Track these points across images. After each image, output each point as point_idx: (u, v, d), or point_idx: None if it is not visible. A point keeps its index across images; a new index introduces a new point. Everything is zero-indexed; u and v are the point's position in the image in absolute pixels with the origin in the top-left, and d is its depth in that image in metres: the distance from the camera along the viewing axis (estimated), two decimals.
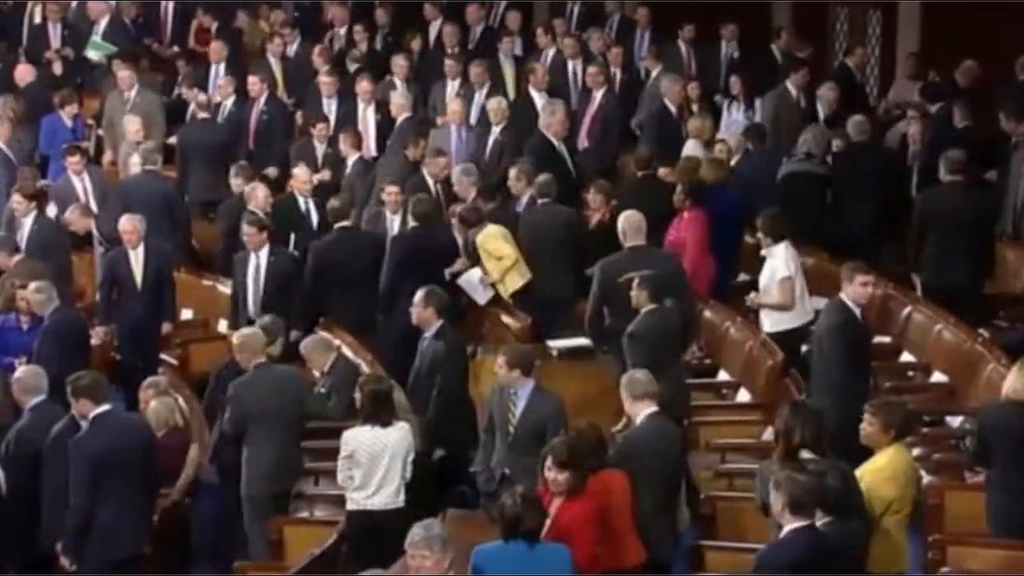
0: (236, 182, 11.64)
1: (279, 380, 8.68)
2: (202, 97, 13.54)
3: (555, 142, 12.25)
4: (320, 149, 12.77)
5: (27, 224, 11.19)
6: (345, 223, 10.73)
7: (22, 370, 8.49)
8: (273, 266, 10.45)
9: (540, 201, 11.10)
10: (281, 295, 10.35)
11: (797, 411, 7.13)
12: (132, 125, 12.92)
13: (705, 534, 7.88)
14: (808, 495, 6.33)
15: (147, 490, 8.04)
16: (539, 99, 13.32)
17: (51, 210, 11.97)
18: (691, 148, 12.22)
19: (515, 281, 10.67)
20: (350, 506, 8.04)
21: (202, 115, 13.36)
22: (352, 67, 14.39)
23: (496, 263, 10.62)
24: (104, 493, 7.80)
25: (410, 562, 6.26)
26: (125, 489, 7.85)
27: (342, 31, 15.85)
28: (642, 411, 7.51)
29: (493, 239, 10.67)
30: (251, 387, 8.58)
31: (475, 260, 10.77)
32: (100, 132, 13.95)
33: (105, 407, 7.99)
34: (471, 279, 10.66)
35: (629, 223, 9.77)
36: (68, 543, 7.84)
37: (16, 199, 11.30)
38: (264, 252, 10.49)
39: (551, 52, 14.81)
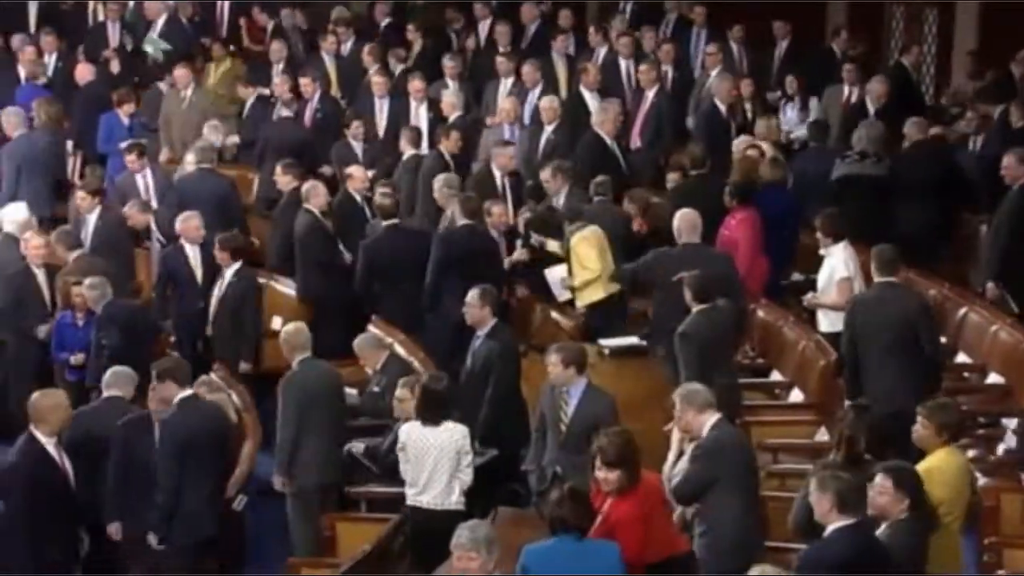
0: (284, 180, 11.70)
1: (323, 375, 8.74)
2: (286, 95, 13.60)
3: (608, 141, 12.24)
4: (358, 148, 12.82)
5: (91, 220, 11.30)
6: (394, 221, 10.74)
7: (111, 373, 8.63)
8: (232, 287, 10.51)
9: (596, 199, 11.09)
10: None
11: (861, 416, 7.09)
12: (212, 125, 13.03)
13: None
14: (854, 493, 6.28)
15: (222, 476, 8.20)
16: (591, 99, 13.30)
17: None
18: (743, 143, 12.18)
19: (593, 294, 10.50)
20: (407, 501, 8.08)
21: (285, 113, 13.40)
22: (398, 67, 14.40)
23: (580, 270, 10.51)
24: (189, 475, 7.95)
25: (456, 563, 6.28)
26: (207, 472, 8.03)
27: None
28: (708, 421, 7.40)
29: (585, 245, 10.48)
30: (297, 382, 8.64)
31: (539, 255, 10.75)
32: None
33: (188, 391, 8.13)
34: (554, 275, 10.64)
35: (684, 220, 9.79)
36: (156, 522, 7.98)
37: (80, 195, 11.43)
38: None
39: (603, 51, 14.80)
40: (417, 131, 12.66)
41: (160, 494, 7.96)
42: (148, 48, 15.27)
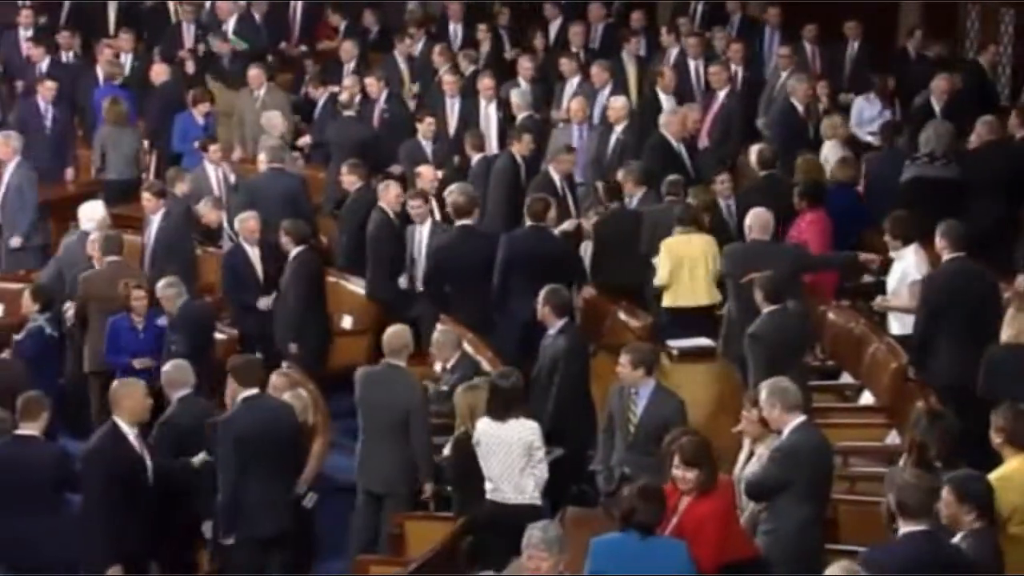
0: (350, 180, 11.75)
1: (398, 379, 8.77)
2: (344, 96, 13.71)
3: (673, 142, 12.21)
4: (428, 146, 12.86)
5: (155, 221, 11.38)
6: (467, 221, 10.78)
7: (170, 365, 8.65)
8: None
9: (667, 199, 11.08)
10: None
11: (934, 423, 7.04)
12: (277, 121, 13.11)
13: (827, 538, 7.80)
14: (920, 500, 6.22)
15: (290, 474, 8.22)
16: (666, 101, 13.27)
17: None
18: (829, 149, 12.09)
19: (667, 299, 10.46)
20: (486, 495, 8.10)
21: (347, 113, 13.50)
22: (468, 66, 14.44)
23: (659, 271, 10.51)
24: (249, 472, 7.99)
25: (527, 563, 6.29)
26: (269, 470, 8.04)
27: (459, 29, 15.97)
28: (792, 421, 7.34)
29: (664, 252, 10.38)
30: (371, 380, 8.73)
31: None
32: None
33: (254, 390, 8.20)
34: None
35: (757, 219, 9.79)
36: (219, 520, 8.07)
37: (145, 196, 11.50)
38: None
39: (675, 51, 14.76)
40: (480, 135, 12.67)
41: (219, 491, 8.02)
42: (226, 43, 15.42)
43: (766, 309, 8.84)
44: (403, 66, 14.84)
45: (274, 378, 8.96)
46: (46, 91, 13.57)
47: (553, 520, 6.58)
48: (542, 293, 9.14)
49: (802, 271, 9.87)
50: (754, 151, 11.88)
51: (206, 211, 11.81)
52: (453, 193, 10.81)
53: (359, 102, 13.72)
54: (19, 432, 8.08)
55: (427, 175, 11.75)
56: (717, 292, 10.31)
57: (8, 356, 9.75)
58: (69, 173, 13.55)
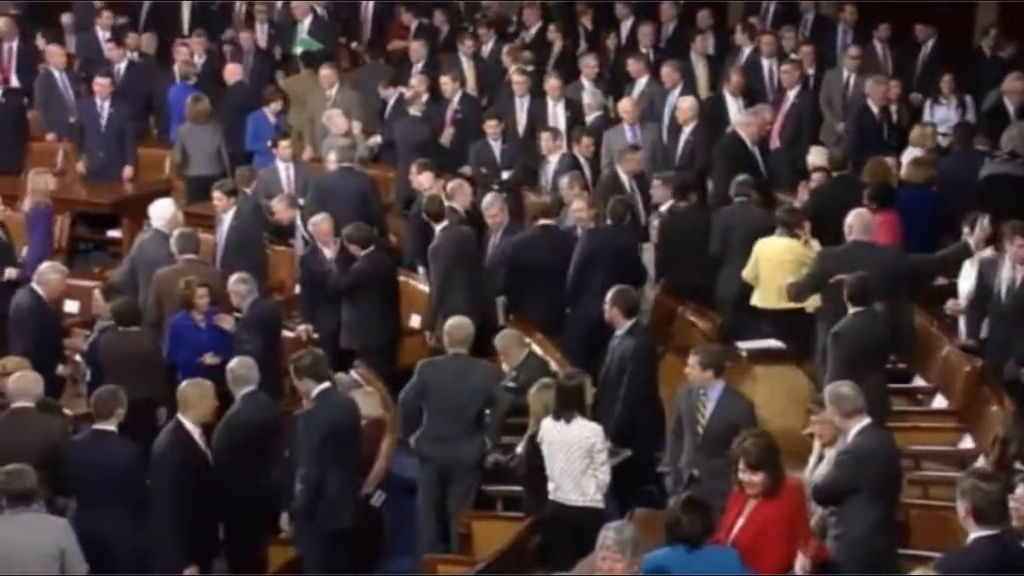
0: (420, 179, 11.79)
1: (468, 367, 8.81)
2: (410, 95, 13.74)
3: (748, 143, 12.15)
4: (497, 147, 12.88)
5: (227, 220, 11.45)
6: (548, 221, 10.71)
7: (235, 362, 8.70)
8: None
9: (737, 200, 11.04)
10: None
11: (1020, 422, 6.95)
12: (339, 120, 13.17)
13: (898, 541, 7.73)
14: (992, 504, 6.16)
15: (359, 469, 8.32)
16: (732, 103, 13.20)
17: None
18: (910, 155, 11.99)
19: (755, 298, 10.35)
20: (549, 495, 8.11)
21: (412, 112, 13.55)
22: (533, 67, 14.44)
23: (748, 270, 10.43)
24: (328, 465, 8.07)
25: (600, 564, 6.28)
26: (344, 463, 8.14)
27: (533, 30, 15.97)
28: (855, 425, 7.29)
29: (761, 251, 10.28)
30: (437, 370, 8.77)
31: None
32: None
33: (327, 384, 8.27)
34: None
35: (858, 218, 9.72)
36: (299, 512, 8.14)
37: (216, 195, 11.57)
38: None
39: (748, 50, 14.69)
40: (556, 132, 12.68)
41: (301, 484, 8.08)
42: (299, 49, 15.50)
43: (852, 310, 8.78)
44: (466, 66, 14.85)
45: (339, 376, 9.00)
46: (101, 89, 13.72)
47: (627, 522, 6.53)
48: (610, 294, 9.13)
49: (906, 274, 9.70)
50: (817, 152, 11.72)
51: (280, 208, 11.88)
52: (533, 195, 10.77)
53: (428, 102, 13.76)
54: (97, 427, 8.18)
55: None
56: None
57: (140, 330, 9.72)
58: (127, 171, 13.68)
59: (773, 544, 6.80)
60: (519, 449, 8.58)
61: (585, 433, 8.03)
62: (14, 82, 14.67)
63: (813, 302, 9.83)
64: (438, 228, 10.89)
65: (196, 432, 8.08)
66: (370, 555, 8.61)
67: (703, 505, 6.64)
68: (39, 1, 16.55)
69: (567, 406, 8.04)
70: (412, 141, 13.04)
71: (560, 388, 8.13)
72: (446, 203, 11.15)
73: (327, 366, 8.48)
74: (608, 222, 10.64)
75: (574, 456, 7.99)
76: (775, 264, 10.16)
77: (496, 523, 8.49)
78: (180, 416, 8.09)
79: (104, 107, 13.67)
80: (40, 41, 15.25)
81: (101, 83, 13.73)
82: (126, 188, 13.45)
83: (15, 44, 15.11)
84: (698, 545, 6.50)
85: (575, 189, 11.28)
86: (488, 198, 11.32)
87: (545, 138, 12.49)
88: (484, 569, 7.71)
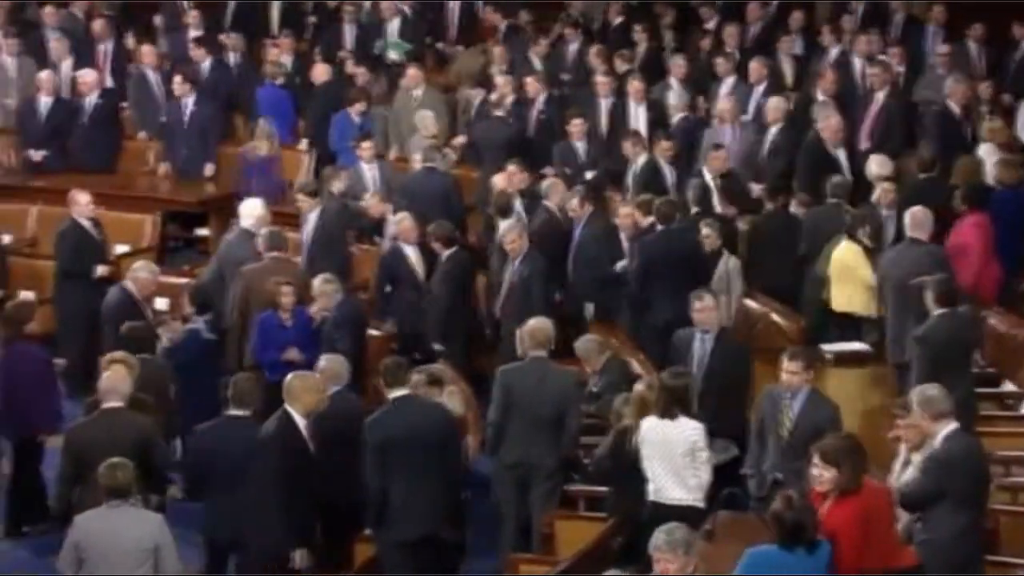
0: (517, 179, 11.80)
1: (548, 371, 8.80)
2: (495, 95, 13.79)
3: (829, 145, 12.07)
4: (581, 148, 12.85)
5: (311, 219, 11.53)
6: (670, 226, 10.59)
7: (328, 358, 8.73)
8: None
9: (830, 201, 10.94)
10: None
11: None
12: (429, 121, 13.26)
13: (986, 548, 7.64)
14: None
15: (440, 476, 8.19)
16: (823, 103, 13.07)
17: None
18: (985, 152, 11.84)
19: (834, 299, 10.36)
20: (648, 496, 8.08)
21: (496, 113, 13.59)
22: (622, 67, 14.42)
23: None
24: (394, 474, 8.05)
25: (655, 566, 6.31)
26: (415, 472, 8.07)
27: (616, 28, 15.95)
28: (943, 429, 7.22)
29: (836, 257, 10.33)
30: (518, 375, 8.78)
31: None
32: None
33: (404, 391, 8.27)
34: None
35: (914, 217, 9.69)
36: (368, 520, 8.19)
37: (299, 197, 11.67)
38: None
39: (836, 51, 14.57)
40: (638, 135, 12.66)
41: (367, 492, 8.11)
42: (392, 54, 15.60)
43: (936, 312, 8.68)
44: (538, 66, 14.84)
45: (414, 376, 8.96)
46: (180, 89, 13.89)
47: (681, 523, 6.54)
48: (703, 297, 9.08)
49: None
50: (879, 162, 11.60)
51: (372, 203, 11.96)
52: (657, 201, 10.76)
53: (514, 102, 13.80)
54: (230, 413, 8.30)
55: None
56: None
57: (157, 356, 9.82)
58: (208, 168, 13.81)
59: (843, 546, 6.71)
60: (599, 450, 8.58)
61: (688, 432, 8.01)
62: (108, 82, 14.89)
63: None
64: (502, 224, 10.96)
65: (302, 423, 8.10)
66: (452, 555, 8.63)
67: (807, 503, 6.60)
68: (132, 1, 16.80)
69: (672, 404, 8.02)
70: (496, 141, 13.06)
71: (665, 387, 8.10)
72: (544, 202, 11.23)
73: (406, 372, 8.46)
74: (658, 226, 10.56)
75: (676, 454, 7.97)
76: (836, 269, 10.16)
77: (579, 523, 8.49)
78: (287, 406, 8.14)
79: (187, 106, 13.84)
80: (131, 41, 15.47)
81: (179, 83, 13.92)
82: (212, 187, 13.59)
83: (109, 45, 15.35)
84: (806, 543, 6.47)
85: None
86: (545, 183, 11.38)
87: (627, 144, 12.46)
88: (567, 569, 7.72)
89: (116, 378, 8.41)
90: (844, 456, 6.83)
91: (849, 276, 10.21)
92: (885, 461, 7.57)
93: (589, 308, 10.49)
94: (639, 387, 8.41)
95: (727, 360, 9.05)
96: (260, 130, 13.39)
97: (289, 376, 8.31)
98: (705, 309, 9.12)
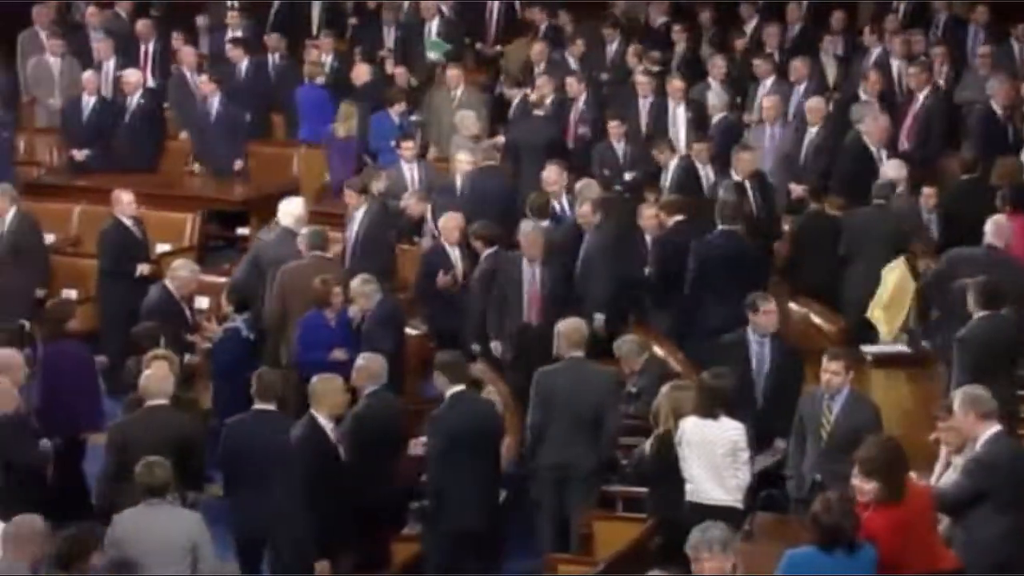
0: (557, 180, 11.79)
1: (586, 371, 8.81)
2: (535, 96, 13.79)
3: (871, 146, 11.99)
4: (620, 149, 12.84)
5: (358, 217, 11.52)
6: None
7: (367, 357, 8.75)
8: None
9: (875, 202, 10.88)
10: None
11: None
12: (471, 121, 13.24)
13: None
14: None
15: (492, 471, 8.31)
16: (866, 104, 13.03)
17: None
18: None
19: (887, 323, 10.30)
20: (686, 496, 8.08)
21: (536, 112, 13.57)
22: (652, 68, 14.39)
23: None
24: (455, 467, 8.12)
25: (693, 566, 6.31)
26: (473, 466, 8.16)
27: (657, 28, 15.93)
28: (987, 430, 7.16)
29: (886, 283, 10.27)
30: (556, 376, 8.79)
31: None
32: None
33: (461, 386, 8.32)
34: None
35: (996, 225, 9.63)
36: (425, 513, 8.23)
37: (348, 193, 11.70)
38: None
39: (877, 51, 14.50)
40: (665, 139, 12.62)
41: (429, 486, 8.16)
42: (432, 54, 15.63)
43: (978, 314, 8.63)
44: (574, 67, 14.82)
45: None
46: (205, 88, 13.96)
47: (717, 522, 6.54)
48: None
49: None
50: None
51: (411, 203, 11.98)
52: (722, 202, 10.74)
53: (554, 102, 13.79)
54: (257, 407, 8.35)
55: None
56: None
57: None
58: (237, 164, 13.86)
59: (884, 552, 6.68)
60: (640, 449, 8.56)
61: (729, 431, 7.99)
62: (151, 83, 14.99)
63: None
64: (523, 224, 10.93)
65: (329, 427, 8.16)
66: (491, 554, 8.65)
67: (849, 504, 6.59)
68: (177, 2, 16.91)
69: (713, 404, 8.00)
70: (535, 142, 13.07)
71: (706, 387, 8.10)
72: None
73: (464, 367, 8.50)
74: (720, 226, 10.53)
75: (716, 455, 7.96)
76: (891, 294, 10.17)
77: (617, 523, 8.49)
78: (312, 411, 8.19)
79: (214, 105, 13.90)
80: (177, 42, 15.55)
81: (204, 82, 13.98)
82: (252, 186, 13.64)
83: (153, 45, 15.44)
84: (846, 544, 6.46)
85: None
86: (580, 184, 11.31)
87: (656, 152, 12.43)
88: (605, 569, 7.73)
89: (158, 376, 8.46)
90: (884, 468, 6.79)
91: (903, 302, 10.14)
92: (927, 463, 7.52)
93: (599, 319, 10.36)
94: (669, 389, 8.40)
95: (786, 363, 9.02)
96: (341, 111, 13.42)
97: (314, 379, 8.36)
98: (770, 312, 9.08)
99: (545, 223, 10.85)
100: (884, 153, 12.09)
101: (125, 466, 7.88)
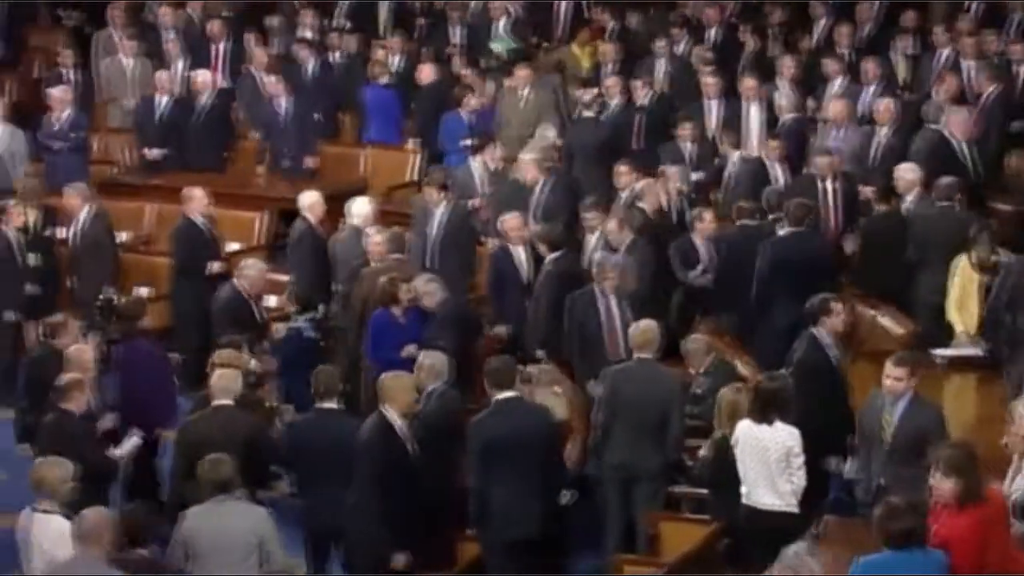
0: (626, 180, 11.80)
1: (653, 373, 8.81)
2: (587, 96, 13.79)
3: (954, 142, 11.88)
4: (688, 149, 12.80)
5: (438, 214, 11.49)
6: (798, 228, 10.51)
7: (430, 355, 8.78)
8: None
9: (939, 204, 10.79)
10: None
11: None
12: (550, 130, 13.25)
13: None
14: None
15: (542, 478, 8.21)
16: (939, 104, 12.88)
17: None
18: None
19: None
20: (741, 499, 8.06)
21: (587, 114, 13.57)
22: (705, 68, 14.32)
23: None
24: (497, 476, 8.08)
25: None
26: (519, 474, 8.09)
27: (714, 30, 15.86)
28: None
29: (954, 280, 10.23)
30: (624, 376, 8.79)
31: None
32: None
33: (509, 392, 8.29)
34: None
35: None
36: (472, 520, 8.22)
37: (428, 191, 11.68)
38: None
39: (946, 51, 14.36)
40: (735, 134, 12.55)
41: (470, 493, 8.15)
42: (495, 46, 15.65)
43: None
44: (659, 68, 14.79)
45: (519, 377, 8.93)
46: (273, 88, 14.04)
47: (806, 536, 6.50)
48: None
49: None
50: (907, 169, 11.40)
51: (484, 204, 12.00)
52: (793, 203, 10.65)
53: (619, 103, 13.76)
54: (319, 406, 8.41)
55: (673, 175, 11.64)
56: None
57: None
58: (309, 161, 13.94)
59: (960, 560, 6.61)
60: (702, 452, 8.56)
61: (784, 436, 7.95)
62: (222, 83, 15.13)
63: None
64: None
65: (399, 424, 8.17)
66: (554, 556, 8.65)
67: (923, 506, 6.54)
68: (250, 2, 17.05)
69: (767, 408, 7.97)
70: (589, 144, 13.03)
71: (761, 390, 8.07)
72: (638, 203, 11.21)
73: (513, 374, 8.47)
74: (790, 228, 10.48)
75: (771, 459, 7.92)
76: (959, 291, 10.10)
77: (684, 525, 8.48)
78: (382, 408, 8.22)
79: (282, 105, 13.99)
80: (249, 42, 15.68)
81: (272, 83, 14.07)
82: (316, 182, 13.70)
83: (223, 46, 15.59)
84: (914, 549, 6.42)
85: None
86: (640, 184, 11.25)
87: (726, 136, 12.41)
88: (671, 570, 7.72)
89: (228, 377, 8.54)
90: (964, 468, 6.72)
91: (970, 302, 10.04)
92: (999, 468, 7.45)
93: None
94: (726, 392, 8.38)
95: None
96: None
97: (383, 376, 8.40)
98: (840, 314, 9.03)
99: (617, 256, 10.56)
100: (967, 148, 11.96)
101: (195, 464, 7.88)
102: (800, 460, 7.97)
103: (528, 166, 11.96)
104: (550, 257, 10.72)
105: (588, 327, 9.91)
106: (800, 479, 7.96)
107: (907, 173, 11.31)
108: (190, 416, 8.74)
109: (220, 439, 7.97)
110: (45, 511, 7.20)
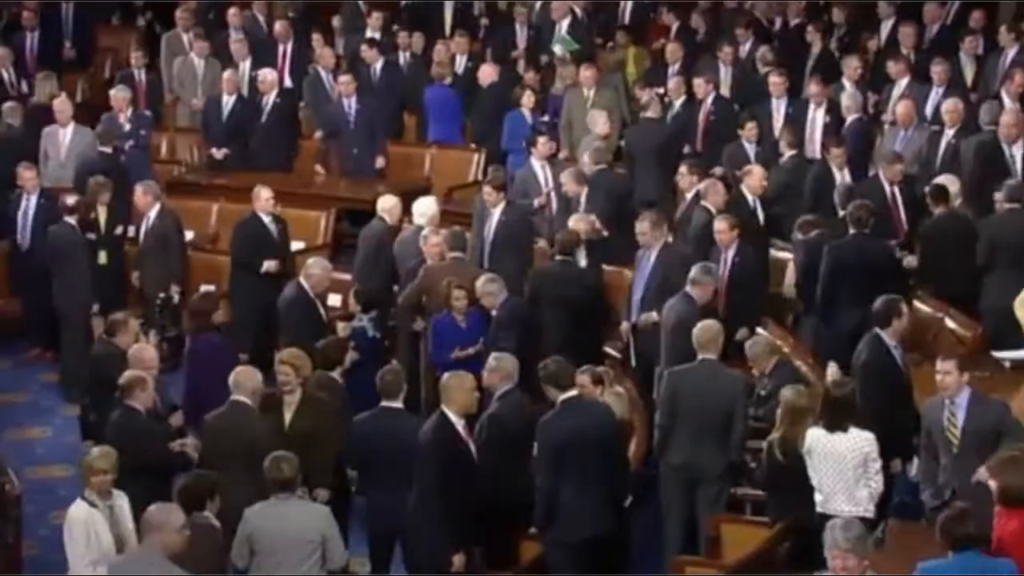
0: (689, 180, 11.80)
1: (716, 374, 8.79)
2: (645, 97, 13.76)
3: (1004, 145, 11.76)
4: (751, 149, 12.74)
5: (495, 214, 11.48)
6: (861, 231, 10.32)
7: (500, 356, 8.75)
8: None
9: (1008, 206, 10.69)
10: None
11: None
12: (601, 121, 13.21)
13: None
14: None
15: (608, 478, 8.20)
16: (1009, 105, 12.76)
17: None
18: None
19: None
20: (816, 507, 8.01)
21: (646, 115, 13.54)
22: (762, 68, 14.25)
23: None
24: (565, 476, 8.07)
25: (831, 562, 6.31)
26: (585, 473, 8.08)
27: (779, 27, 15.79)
28: None
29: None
30: (686, 377, 8.78)
31: None
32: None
33: (572, 392, 8.29)
34: None
35: None
36: (536, 521, 8.20)
37: (486, 190, 11.65)
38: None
39: (1012, 51, 14.20)
40: (794, 133, 12.51)
41: (537, 494, 8.13)
42: (557, 48, 15.66)
43: None
44: (723, 70, 14.73)
45: (579, 377, 8.90)
46: (344, 88, 14.09)
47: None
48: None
49: None
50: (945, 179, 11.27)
51: (544, 202, 12.01)
52: (851, 207, 10.56)
53: (682, 104, 13.72)
54: (383, 405, 8.44)
55: (757, 175, 11.63)
56: None
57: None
58: (379, 161, 14.01)
59: (1017, 555, 6.57)
60: (763, 454, 8.52)
61: (858, 443, 7.90)
62: (288, 83, 15.24)
63: None
64: None
65: (460, 424, 8.18)
66: (616, 557, 8.64)
67: (978, 514, 6.51)
68: (315, 2, 17.16)
69: (839, 416, 7.92)
70: (645, 145, 13.00)
71: (831, 398, 8.02)
72: (702, 202, 11.19)
73: (572, 373, 8.46)
74: (852, 231, 10.39)
75: (847, 466, 7.88)
76: None
77: (745, 527, 8.45)
78: (444, 408, 8.25)
79: (351, 105, 14.06)
80: (316, 43, 15.77)
81: (343, 82, 14.13)
82: (380, 182, 13.76)
83: (289, 46, 15.71)
84: (981, 554, 6.38)
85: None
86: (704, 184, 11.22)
87: (786, 135, 12.39)
88: (732, 572, 7.70)
89: (247, 374, 8.58)
90: (1008, 468, 6.69)
91: None
92: None
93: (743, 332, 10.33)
94: (786, 393, 8.32)
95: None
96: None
97: (444, 376, 8.42)
98: (907, 317, 8.97)
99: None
100: (1019, 151, 11.84)
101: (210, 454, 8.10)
102: (878, 465, 7.93)
103: (568, 180, 11.91)
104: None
105: None
106: (878, 483, 7.93)
107: (951, 185, 11.20)
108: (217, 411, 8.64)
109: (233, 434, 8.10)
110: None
